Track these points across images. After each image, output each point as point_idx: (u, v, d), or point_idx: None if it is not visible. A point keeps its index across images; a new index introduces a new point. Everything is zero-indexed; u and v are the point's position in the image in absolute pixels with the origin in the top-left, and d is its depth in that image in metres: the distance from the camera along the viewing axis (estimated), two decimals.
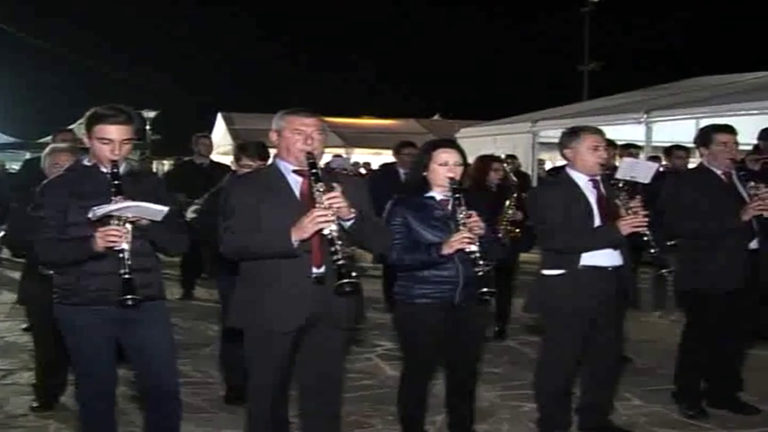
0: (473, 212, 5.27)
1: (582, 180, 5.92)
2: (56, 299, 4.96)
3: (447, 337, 5.46)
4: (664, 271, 5.93)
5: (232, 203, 4.93)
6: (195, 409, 6.54)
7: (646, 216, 5.66)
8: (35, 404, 6.77)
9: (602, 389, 6.22)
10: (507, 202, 8.72)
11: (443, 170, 5.49)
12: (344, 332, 5.24)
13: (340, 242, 4.57)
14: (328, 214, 4.58)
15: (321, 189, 4.63)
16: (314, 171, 4.70)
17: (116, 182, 4.67)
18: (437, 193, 5.56)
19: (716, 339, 6.66)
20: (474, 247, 5.22)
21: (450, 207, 5.49)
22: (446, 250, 5.31)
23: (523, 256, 9.38)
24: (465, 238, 5.21)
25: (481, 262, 5.22)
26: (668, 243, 6.59)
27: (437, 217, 5.49)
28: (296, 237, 4.65)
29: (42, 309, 5.88)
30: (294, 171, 4.93)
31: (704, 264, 6.53)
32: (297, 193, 4.91)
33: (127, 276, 4.63)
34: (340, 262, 4.56)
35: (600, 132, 6.08)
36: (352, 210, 4.78)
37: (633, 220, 5.65)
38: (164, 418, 5.12)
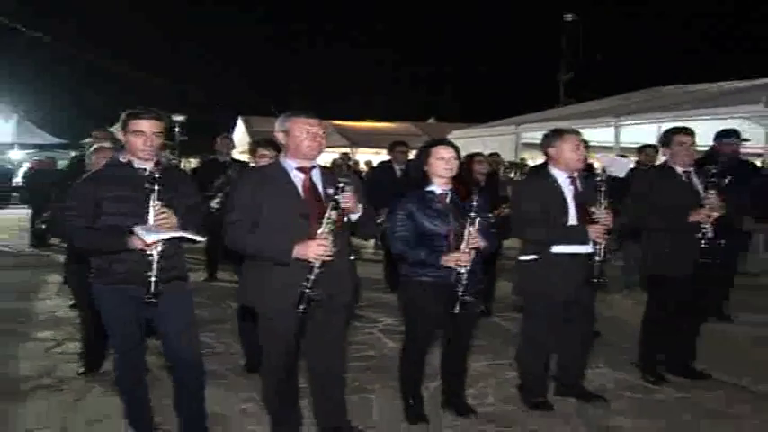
0: (478, 241, 5.39)
1: (562, 177, 5.96)
2: (92, 279, 5.01)
3: (446, 313, 5.49)
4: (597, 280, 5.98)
5: (237, 198, 4.98)
6: (218, 375, 6.57)
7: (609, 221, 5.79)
8: (81, 370, 6.83)
9: (575, 359, 6.29)
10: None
11: (441, 164, 5.55)
12: (347, 309, 5.30)
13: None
14: (328, 247, 4.69)
15: (333, 218, 4.72)
16: (335, 199, 4.75)
17: (152, 181, 4.74)
18: (436, 188, 5.59)
19: (674, 316, 6.73)
20: (464, 270, 5.36)
21: (447, 201, 5.56)
22: (444, 260, 5.39)
23: (508, 243, 9.43)
24: (461, 261, 5.35)
25: (464, 281, 5.36)
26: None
27: (436, 209, 5.51)
28: (295, 255, 4.74)
29: (83, 287, 5.93)
30: (297, 168, 4.98)
31: (664, 251, 6.60)
32: (299, 189, 4.94)
33: (154, 279, 4.72)
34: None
35: (580, 134, 6.15)
36: (359, 206, 4.86)
37: (600, 230, 5.77)
38: (188, 383, 5.16)
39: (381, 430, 5.61)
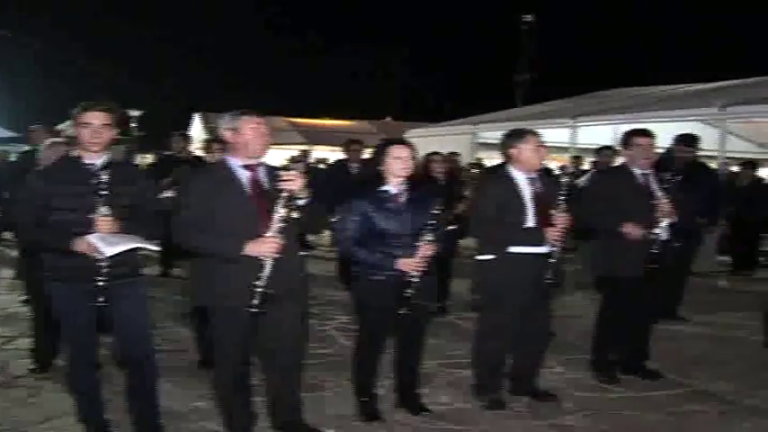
0: (433, 243, 5.43)
1: (521, 177, 6.00)
2: (45, 275, 4.97)
3: (398, 312, 5.49)
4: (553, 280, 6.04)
5: (186, 197, 5.00)
6: (172, 372, 6.54)
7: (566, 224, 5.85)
8: (32, 366, 6.78)
9: (530, 359, 6.33)
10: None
11: (397, 163, 5.56)
12: (300, 305, 5.31)
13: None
14: (277, 243, 4.73)
15: (281, 214, 4.75)
16: (283, 195, 4.78)
17: (99, 182, 4.72)
18: (391, 187, 5.59)
19: (626, 317, 6.80)
20: (415, 275, 5.40)
21: (402, 200, 5.57)
22: (399, 264, 5.42)
23: (465, 242, 9.48)
24: (416, 268, 5.40)
25: (416, 283, 5.41)
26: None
27: (390, 209, 5.52)
28: (245, 252, 4.76)
29: (34, 283, 5.89)
30: (243, 166, 4.99)
31: (616, 253, 6.65)
32: (247, 187, 4.96)
33: (102, 280, 4.71)
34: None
35: (539, 135, 6.19)
36: (306, 190, 4.87)
37: (557, 231, 5.82)
38: (141, 379, 5.14)
39: (336, 428, 5.61)
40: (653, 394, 6.57)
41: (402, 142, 5.78)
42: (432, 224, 5.43)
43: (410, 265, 5.40)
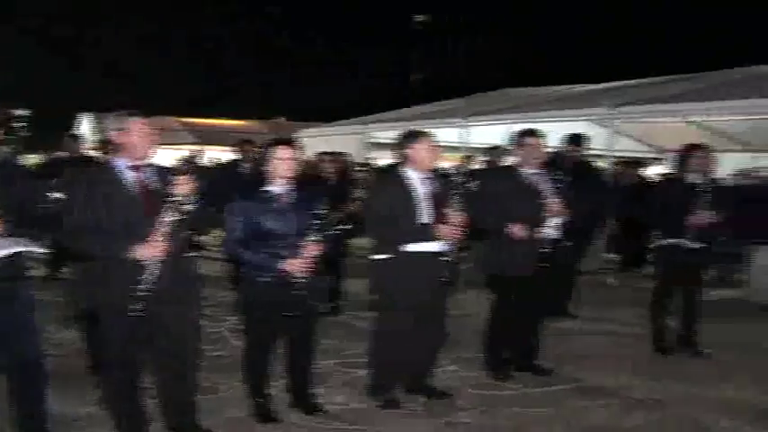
0: (318, 245, 5.44)
1: (415, 177, 6.03)
2: None
3: (286, 312, 5.49)
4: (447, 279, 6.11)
5: (72, 199, 4.88)
6: (61, 376, 6.37)
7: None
8: None
9: (426, 358, 6.38)
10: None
11: (281, 164, 5.56)
12: (191, 307, 5.25)
13: None
14: (164, 245, 4.72)
15: (169, 217, 4.73)
16: (170, 196, 4.77)
17: None
18: (276, 188, 5.59)
19: (518, 315, 6.90)
20: (301, 276, 5.42)
21: (288, 200, 5.56)
22: (284, 266, 5.41)
23: (360, 241, 9.49)
24: (301, 269, 5.41)
25: (303, 284, 5.43)
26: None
27: (275, 209, 5.50)
28: (132, 255, 4.71)
29: None
30: (130, 167, 4.92)
31: (504, 253, 6.74)
32: (133, 188, 4.89)
33: None
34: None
35: (433, 135, 6.24)
36: (195, 194, 4.83)
37: (451, 230, 5.88)
38: (28, 384, 4.99)
39: (230, 430, 5.56)
40: (546, 390, 6.68)
41: (287, 143, 5.78)
42: (317, 224, 5.45)
43: (296, 265, 5.40)
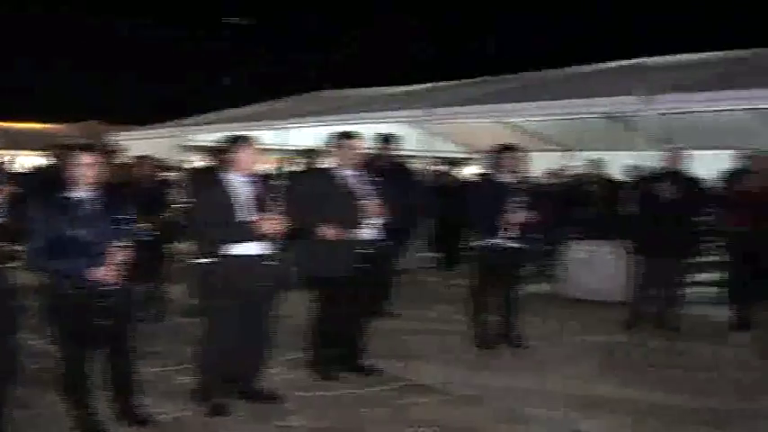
0: (125, 251, 5.31)
1: (237, 180, 6.03)
2: None
3: (97, 322, 5.36)
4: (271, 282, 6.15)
5: None
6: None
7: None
8: None
9: (253, 361, 6.36)
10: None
11: (83, 169, 5.40)
12: (7, 320, 5.10)
13: None
14: None
15: None
16: None
17: None
18: (79, 193, 5.43)
19: (339, 315, 6.98)
20: (110, 283, 5.28)
21: (91, 207, 5.40)
22: (89, 275, 5.26)
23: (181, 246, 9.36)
24: (108, 276, 5.25)
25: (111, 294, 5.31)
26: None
27: (78, 216, 5.33)
28: None
29: None
30: None
31: (322, 254, 6.81)
32: None
33: None
34: None
35: (255, 138, 6.25)
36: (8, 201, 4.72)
37: (269, 234, 5.91)
38: None
39: None
40: (372, 389, 6.78)
41: (89, 147, 5.65)
42: (124, 230, 5.35)
43: (102, 272, 5.26)
